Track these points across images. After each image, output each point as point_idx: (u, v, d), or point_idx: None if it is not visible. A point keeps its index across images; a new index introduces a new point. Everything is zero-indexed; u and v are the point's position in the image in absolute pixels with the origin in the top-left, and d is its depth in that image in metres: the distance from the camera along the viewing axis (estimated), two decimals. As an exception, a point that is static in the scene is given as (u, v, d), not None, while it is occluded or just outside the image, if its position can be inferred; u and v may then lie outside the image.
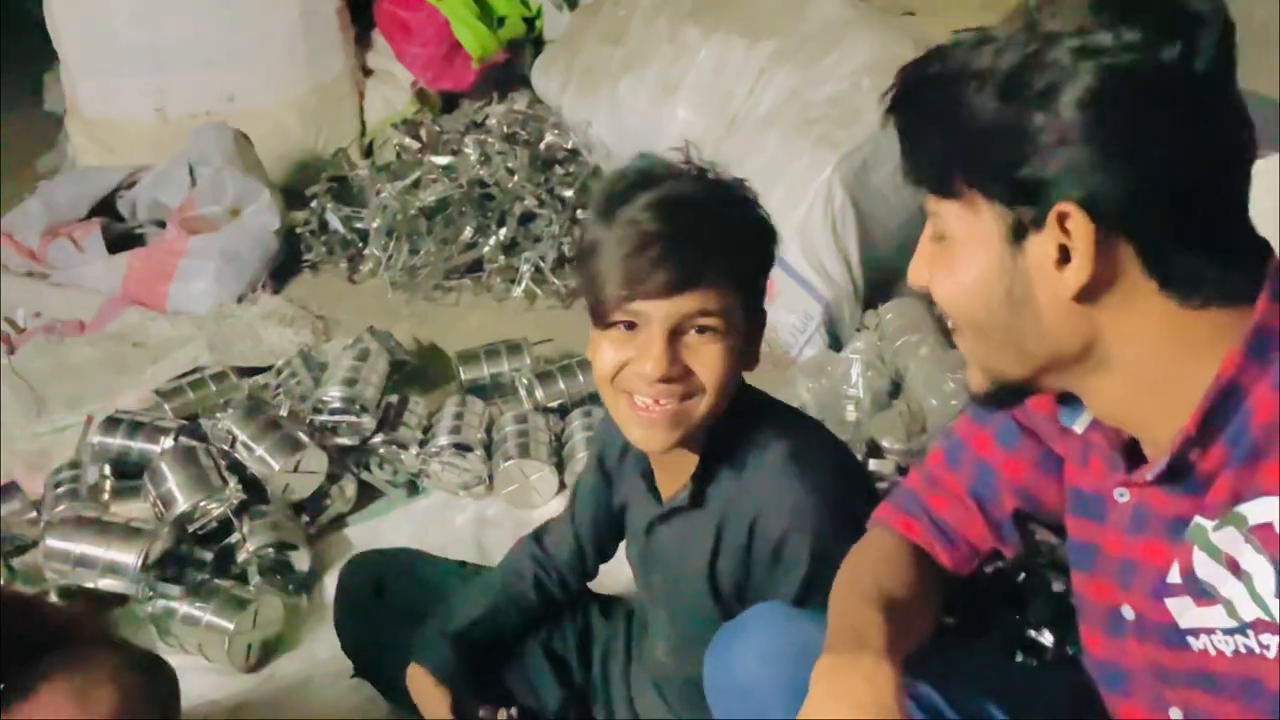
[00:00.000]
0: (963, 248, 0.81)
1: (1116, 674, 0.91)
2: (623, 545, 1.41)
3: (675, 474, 1.22)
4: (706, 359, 1.09)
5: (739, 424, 1.17)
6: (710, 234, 1.09)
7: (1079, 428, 0.89)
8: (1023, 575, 1.46)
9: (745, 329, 1.12)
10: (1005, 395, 0.87)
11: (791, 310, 2.27)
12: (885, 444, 1.89)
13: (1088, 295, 0.77)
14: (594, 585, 1.56)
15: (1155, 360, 0.79)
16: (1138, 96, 0.74)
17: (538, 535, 1.45)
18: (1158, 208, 0.75)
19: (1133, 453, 0.86)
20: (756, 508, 1.14)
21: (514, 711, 1.37)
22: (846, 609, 0.95)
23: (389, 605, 1.47)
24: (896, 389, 2.03)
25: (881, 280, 2.22)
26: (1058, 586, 1.43)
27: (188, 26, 3.04)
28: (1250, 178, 0.79)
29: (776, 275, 2.25)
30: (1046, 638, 1.37)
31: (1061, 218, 0.75)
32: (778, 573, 1.13)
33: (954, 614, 1.38)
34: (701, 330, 1.09)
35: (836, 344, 2.23)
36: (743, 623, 1.02)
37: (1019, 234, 0.78)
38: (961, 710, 0.97)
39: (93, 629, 1.37)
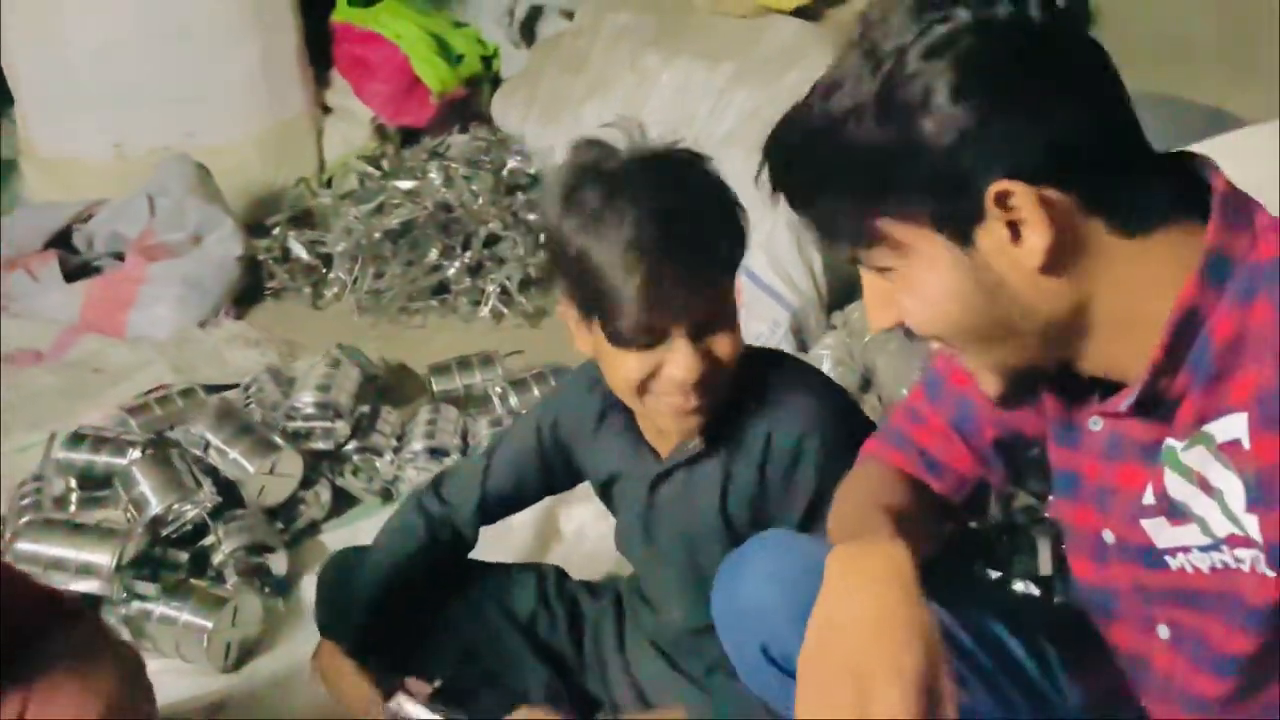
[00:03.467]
0: (916, 273, 0.81)
1: (1104, 597, 0.94)
2: (568, 520, 1.42)
3: (669, 430, 1.24)
4: (725, 345, 1.14)
5: (743, 371, 1.20)
6: (708, 235, 1.13)
7: (1098, 426, 0.89)
8: (1004, 537, 1.50)
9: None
10: (1022, 388, 0.87)
11: (760, 319, 2.33)
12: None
13: (1056, 260, 0.78)
14: (576, 571, 1.56)
15: (1131, 301, 0.81)
16: (998, 65, 0.76)
17: (436, 486, 1.44)
18: (1073, 151, 0.77)
19: (1103, 380, 0.87)
20: (770, 424, 1.17)
21: (438, 683, 1.35)
22: (847, 517, 0.97)
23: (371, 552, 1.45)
24: (867, 383, 2.07)
25: (845, 285, 2.29)
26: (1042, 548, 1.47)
27: (147, 64, 3.05)
28: (1127, 100, 0.81)
29: (745, 286, 2.35)
30: (1032, 589, 1.41)
31: (1001, 197, 0.76)
32: (793, 483, 1.16)
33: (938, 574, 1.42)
34: (725, 329, 1.14)
35: (804, 350, 2.28)
36: (749, 549, 1.03)
37: (964, 234, 0.78)
38: (968, 629, 0.99)
39: (85, 612, 1.34)
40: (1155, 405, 0.82)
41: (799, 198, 0.83)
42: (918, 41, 0.76)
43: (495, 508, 1.43)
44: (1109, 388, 0.87)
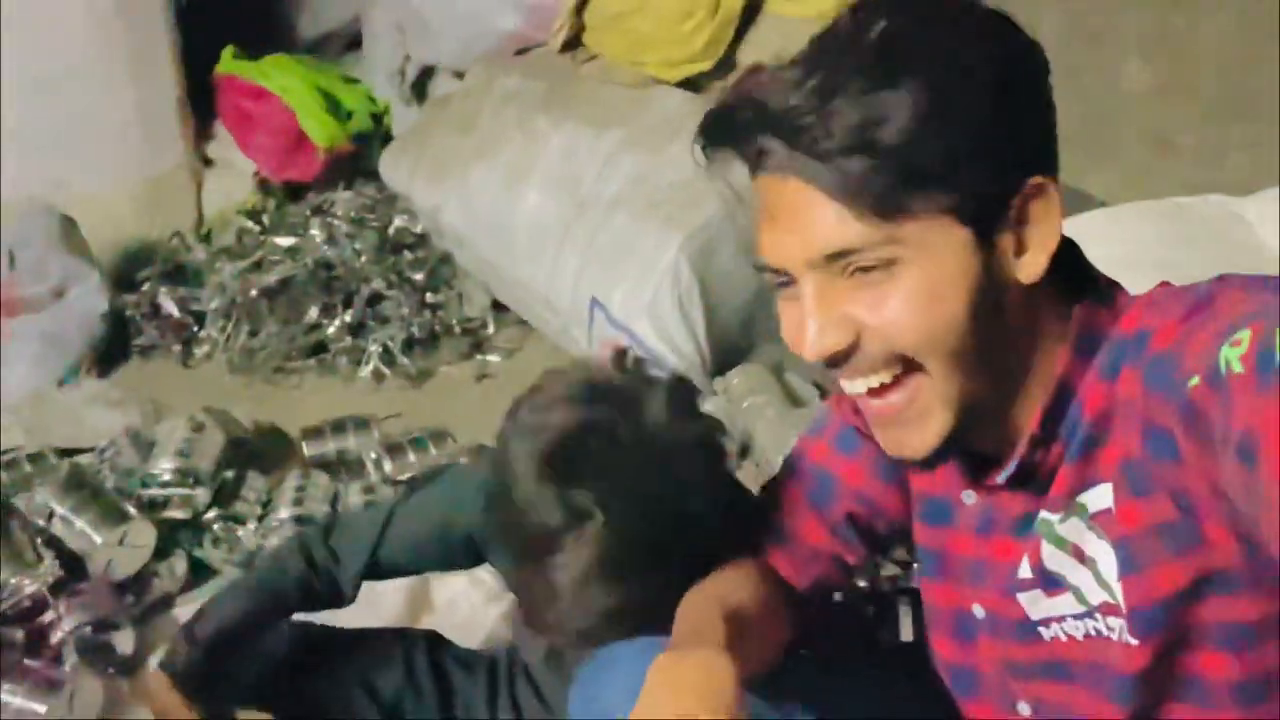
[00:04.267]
0: (920, 270, 0.75)
1: (967, 676, 0.94)
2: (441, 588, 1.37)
3: None
4: None
5: None
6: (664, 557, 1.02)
7: (1001, 479, 0.87)
8: (871, 608, 1.50)
9: None
10: (954, 441, 0.81)
11: (642, 383, 2.32)
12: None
13: (1034, 290, 0.78)
14: (452, 635, 1.51)
15: (1023, 360, 0.81)
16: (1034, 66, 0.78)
17: (326, 533, 1.36)
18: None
19: (976, 455, 0.88)
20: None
21: None
22: (688, 616, 0.95)
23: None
24: (745, 450, 2.08)
25: (727, 350, 2.31)
26: (904, 617, 1.48)
27: (15, 112, 2.93)
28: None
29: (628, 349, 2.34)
30: (896, 663, 1.41)
31: (1037, 190, 0.76)
32: None
33: (810, 647, 1.41)
34: None
35: (686, 415, 2.28)
36: (608, 658, 0.99)
37: (988, 231, 0.76)
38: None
39: None
40: (1029, 477, 0.83)
41: (817, 154, 0.74)
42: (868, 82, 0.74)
43: (384, 573, 1.37)
44: (976, 466, 0.88)
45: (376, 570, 1.36)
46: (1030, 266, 0.78)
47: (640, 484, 1.01)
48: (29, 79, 2.90)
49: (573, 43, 2.70)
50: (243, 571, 1.89)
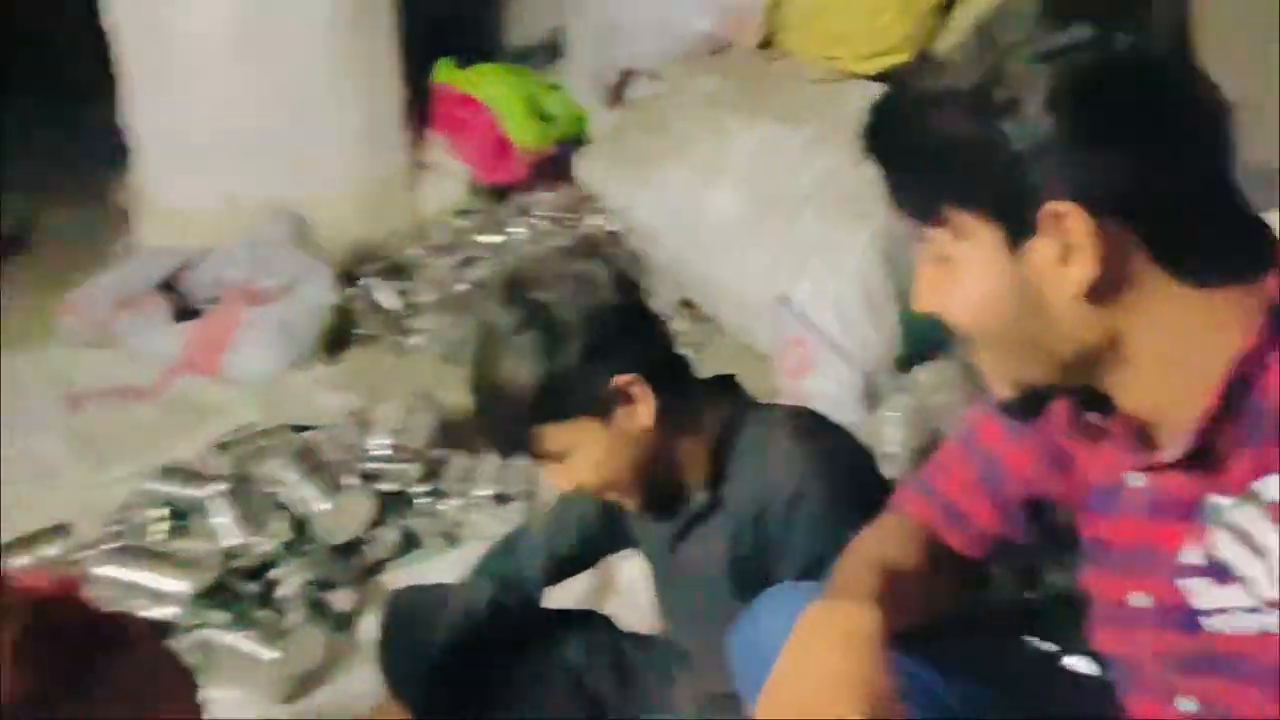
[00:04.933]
0: (965, 266, 0.82)
1: (1126, 668, 0.91)
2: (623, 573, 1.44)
3: (684, 493, 1.28)
4: (578, 475, 1.22)
5: (746, 426, 1.23)
6: (515, 399, 1.17)
7: (1092, 418, 0.89)
8: (1060, 608, 1.45)
9: (606, 427, 1.19)
10: (1032, 402, 0.88)
11: (829, 379, 2.32)
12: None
13: (1100, 290, 0.78)
14: (628, 624, 1.57)
15: (1175, 346, 0.80)
16: (1101, 89, 0.76)
17: (506, 545, 1.49)
18: (1148, 191, 0.77)
19: (1146, 436, 0.86)
20: (766, 479, 1.18)
21: None
22: (843, 570, 0.97)
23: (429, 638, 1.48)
24: (935, 447, 2.04)
25: (919, 346, 2.27)
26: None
27: (257, 122, 3.22)
28: (1233, 150, 0.81)
29: (813, 345, 2.35)
30: (1085, 665, 1.36)
31: (1056, 217, 0.77)
32: (789, 542, 1.16)
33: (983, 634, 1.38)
34: (558, 458, 1.21)
35: (871, 411, 2.26)
36: (770, 598, 1.03)
37: (1016, 240, 0.79)
38: (952, 690, 0.97)
39: (146, 632, 1.40)
40: (1202, 459, 0.80)
41: (883, 163, 0.84)
42: (1031, 43, 0.76)
43: (561, 565, 1.46)
44: (1147, 445, 0.85)
45: (552, 565, 1.45)
46: (1071, 282, 0.78)
47: None
48: (270, 90, 3.20)
49: (766, 41, 2.73)
50: (446, 543, 2.04)
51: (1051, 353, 0.82)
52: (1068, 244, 0.77)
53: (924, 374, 2.15)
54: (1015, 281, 0.80)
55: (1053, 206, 0.76)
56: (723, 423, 1.24)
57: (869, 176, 2.61)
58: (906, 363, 2.27)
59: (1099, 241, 0.76)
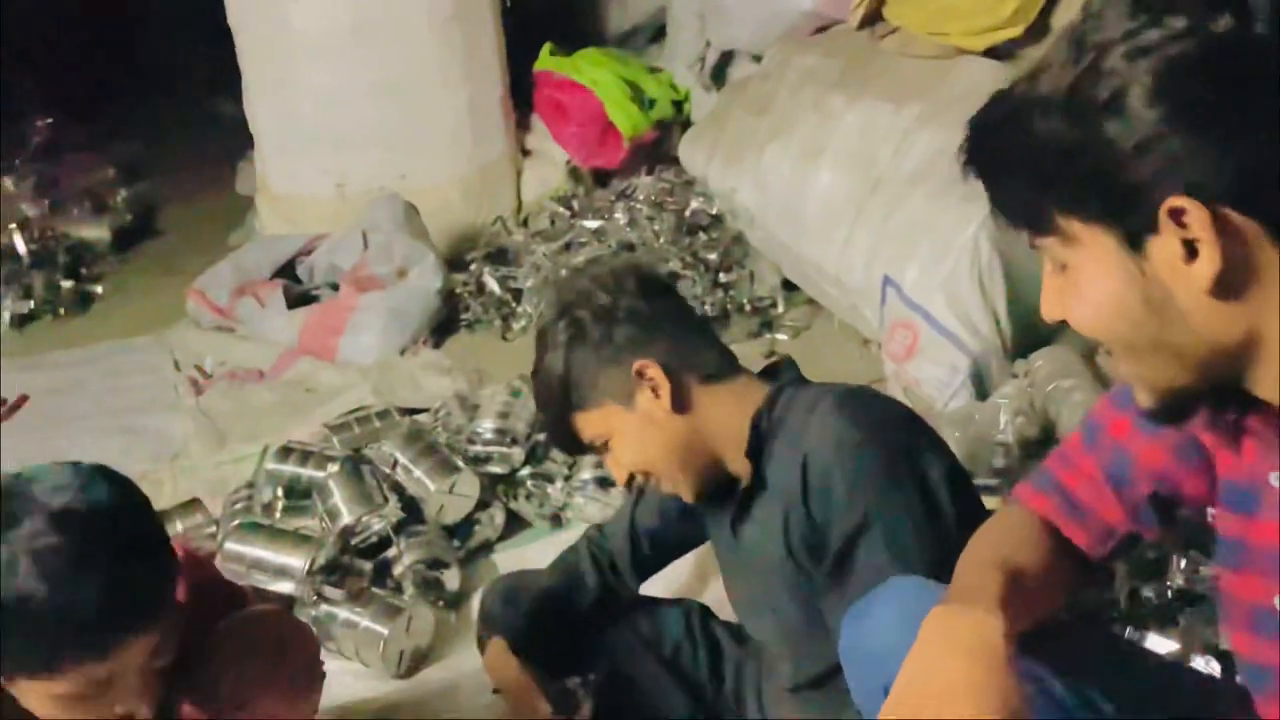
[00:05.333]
0: (1085, 272, 0.80)
1: (1264, 674, 0.88)
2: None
3: (736, 473, 1.30)
4: (622, 460, 1.30)
5: (787, 404, 1.26)
6: (558, 386, 1.27)
7: (1231, 415, 0.86)
8: (1187, 608, 1.40)
9: (630, 412, 1.26)
10: (1178, 407, 0.84)
11: (937, 364, 2.27)
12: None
13: (1227, 283, 0.75)
14: (727, 614, 1.58)
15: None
16: (1202, 77, 0.74)
17: (599, 526, 1.58)
18: (1264, 176, 0.74)
19: None
20: (804, 452, 1.19)
21: (591, 681, 1.42)
22: (966, 571, 0.95)
23: (542, 576, 1.55)
24: (1048, 437, 1.99)
25: (1032, 332, 2.20)
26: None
27: (367, 112, 3.32)
28: None
29: (921, 329, 2.30)
30: (1213, 667, 1.31)
31: (1175, 214, 0.74)
32: (828, 515, 1.17)
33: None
34: (604, 447, 1.30)
35: (983, 398, 2.21)
36: (881, 592, 1.03)
37: (1136, 241, 0.77)
38: (1076, 695, 0.94)
39: (271, 596, 1.46)
40: None
41: (985, 176, 0.83)
42: (1125, 40, 0.75)
43: (649, 551, 1.51)
44: None
45: (638, 540, 1.50)
46: (1198, 278, 0.76)
47: None
48: (378, 81, 3.29)
49: (872, 17, 2.67)
50: (551, 525, 2.07)
51: (1185, 353, 0.79)
52: (1190, 239, 0.75)
53: (1038, 361, 2.09)
54: (1139, 283, 0.78)
55: (1170, 202, 0.74)
56: (766, 399, 1.27)
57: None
58: (1019, 349, 2.21)
59: (1221, 234, 0.74)
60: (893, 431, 1.21)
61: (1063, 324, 0.87)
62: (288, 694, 1.20)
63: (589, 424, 1.28)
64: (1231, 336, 0.78)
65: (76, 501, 1.05)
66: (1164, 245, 0.76)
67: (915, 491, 1.15)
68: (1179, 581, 1.40)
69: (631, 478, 1.33)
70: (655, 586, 1.62)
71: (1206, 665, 1.31)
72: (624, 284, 1.28)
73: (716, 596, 1.73)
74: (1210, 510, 0.99)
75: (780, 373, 1.33)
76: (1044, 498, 1.04)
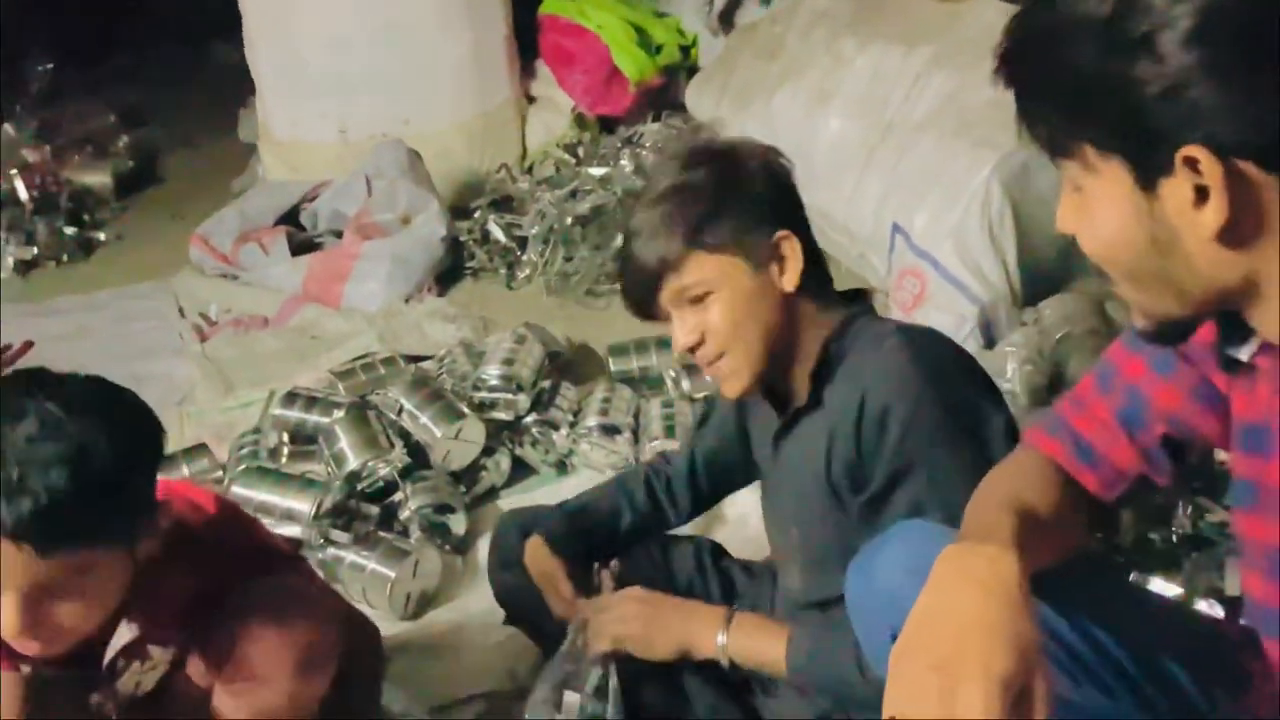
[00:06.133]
0: (1096, 200, 0.81)
1: (1277, 616, 0.88)
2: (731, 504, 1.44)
3: (790, 391, 1.29)
4: (711, 320, 1.22)
5: (855, 332, 1.24)
6: (670, 216, 1.21)
7: (1245, 355, 0.86)
8: (1194, 553, 1.40)
9: (749, 270, 1.22)
10: (1173, 331, 0.86)
11: (945, 312, 2.25)
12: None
13: (1234, 230, 0.75)
14: (736, 553, 1.58)
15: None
16: (1240, 29, 0.73)
17: (664, 453, 1.56)
18: None
19: None
20: (865, 384, 1.19)
21: (614, 565, 1.41)
22: (979, 512, 0.95)
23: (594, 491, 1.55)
24: (1056, 385, 1.98)
25: (1041, 280, 2.18)
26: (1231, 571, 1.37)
27: (369, 57, 3.28)
28: None
29: (929, 276, 2.28)
30: (1216, 610, 1.32)
31: (1190, 161, 0.74)
32: (880, 449, 1.16)
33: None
34: (695, 300, 1.22)
35: (991, 346, 2.19)
36: (888, 536, 1.02)
37: (1148, 181, 0.77)
38: (1083, 636, 0.95)
39: (297, 558, 1.47)
40: None
41: (1017, 88, 0.82)
42: None
43: (705, 475, 1.49)
44: None
45: (696, 464, 1.49)
46: (1204, 226, 0.77)
47: None
48: (380, 25, 3.24)
49: (883, -41, 2.62)
50: (557, 472, 2.08)
51: (1186, 290, 0.80)
52: (1201, 185, 0.75)
53: (1047, 309, 2.07)
54: (1147, 220, 0.78)
55: (1185, 150, 0.74)
56: (840, 323, 1.26)
57: (991, 101, 2.49)
58: (1028, 297, 2.19)
59: (1232, 185, 0.74)
60: (954, 379, 1.19)
61: (1072, 271, 0.86)
62: (297, 672, 1.20)
63: (703, 267, 1.21)
64: (1232, 279, 0.79)
65: (77, 404, 1.08)
66: (1176, 187, 0.76)
67: (968, 443, 1.15)
68: (1185, 527, 1.40)
69: (692, 350, 1.26)
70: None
71: (1210, 609, 1.32)
72: (775, 154, 1.27)
73: (723, 540, 1.74)
74: (1219, 455, 0.98)
75: (854, 300, 1.31)
76: (1055, 441, 1.03)
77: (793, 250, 1.22)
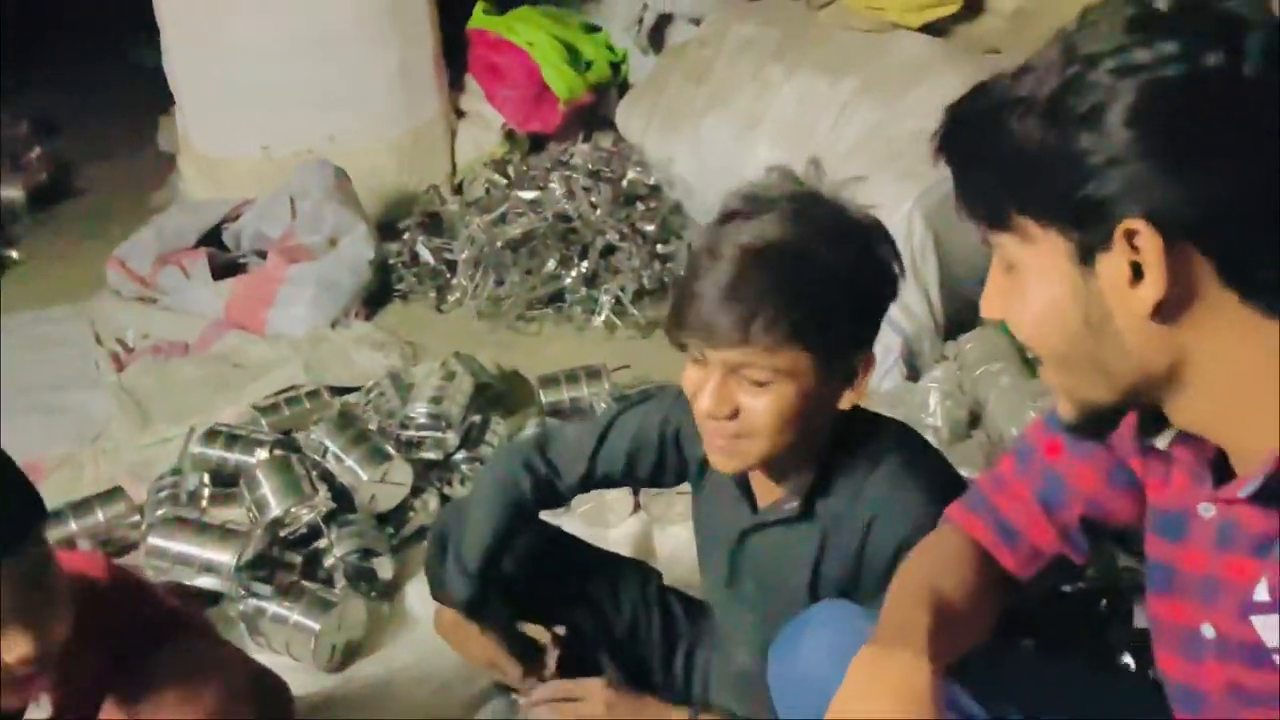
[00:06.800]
0: (1031, 276, 0.81)
1: (1192, 696, 0.90)
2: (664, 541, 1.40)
3: (773, 484, 1.25)
4: (758, 407, 1.12)
5: (852, 440, 1.19)
6: (780, 289, 1.08)
7: (1162, 443, 0.88)
8: (1104, 601, 1.44)
9: (822, 378, 1.11)
10: (1097, 423, 0.86)
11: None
12: (964, 473, 1.89)
13: (1168, 311, 0.77)
14: (678, 584, 1.58)
15: (1242, 373, 0.78)
16: (1184, 107, 0.74)
17: (542, 447, 1.42)
18: (1226, 216, 0.75)
19: (1219, 466, 0.85)
20: (873, 511, 1.16)
21: (560, 630, 1.39)
22: (896, 606, 0.96)
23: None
24: (976, 419, 2.02)
25: (962, 313, 2.22)
26: (1139, 613, 1.41)
27: (293, 71, 3.19)
28: None
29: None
30: (1128, 660, 1.36)
31: (1129, 235, 0.75)
32: (883, 564, 1.14)
33: (1035, 635, 1.38)
34: (757, 381, 1.11)
35: (916, 377, 2.23)
36: (809, 619, 1.04)
37: (1087, 256, 0.78)
38: (993, 716, 0.97)
39: (202, 621, 1.44)
40: (1272, 493, 0.79)
41: (958, 164, 0.84)
42: (1115, 55, 0.75)
43: (598, 483, 1.43)
44: (1220, 474, 0.84)
45: (592, 479, 1.41)
46: (1139, 302, 0.77)
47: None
48: (304, 38, 3.16)
49: (810, -12, 2.64)
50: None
51: (1114, 372, 0.81)
52: (1138, 262, 0.76)
53: (968, 344, 2.11)
54: (1083, 297, 0.79)
55: (1126, 223, 0.75)
56: (834, 427, 1.18)
57: (915, 133, 2.54)
58: (951, 329, 2.23)
59: (1169, 261, 0.75)
60: (948, 496, 1.13)
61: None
62: None
63: (784, 360, 1.09)
64: (1160, 362, 0.80)
65: None
66: (1113, 263, 0.77)
67: None
68: (1096, 576, 1.43)
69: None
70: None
71: (1121, 660, 1.36)
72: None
73: (669, 553, 1.74)
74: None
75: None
76: (976, 519, 1.05)
77: (866, 374, 1.15)
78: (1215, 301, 0.77)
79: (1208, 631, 0.86)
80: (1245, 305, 0.77)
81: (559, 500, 1.46)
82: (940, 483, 1.19)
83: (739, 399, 1.12)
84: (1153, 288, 0.76)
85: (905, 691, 0.84)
